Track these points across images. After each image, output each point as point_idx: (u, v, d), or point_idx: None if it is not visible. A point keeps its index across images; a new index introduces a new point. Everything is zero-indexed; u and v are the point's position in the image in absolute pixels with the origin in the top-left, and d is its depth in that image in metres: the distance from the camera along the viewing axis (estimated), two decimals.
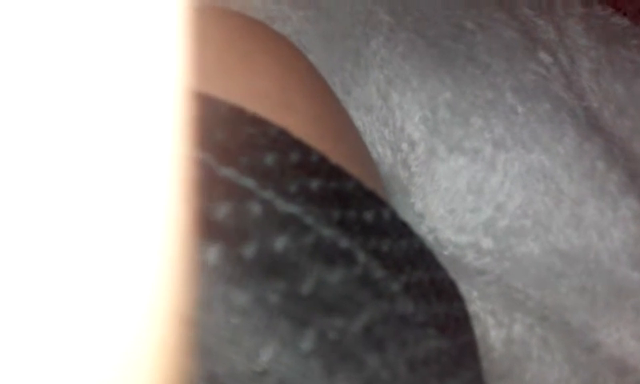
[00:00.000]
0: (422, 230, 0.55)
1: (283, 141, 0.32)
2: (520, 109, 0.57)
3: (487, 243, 0.55)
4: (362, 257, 0.30)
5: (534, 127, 0.56)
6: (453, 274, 0.38)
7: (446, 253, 0.55)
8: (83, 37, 0.13)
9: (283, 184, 0.30)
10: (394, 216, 0.35)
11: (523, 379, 0.49)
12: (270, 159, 0.31)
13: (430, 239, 0.55)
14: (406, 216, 0.55)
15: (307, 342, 0.27)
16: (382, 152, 0.57)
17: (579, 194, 0.55)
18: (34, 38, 0.12)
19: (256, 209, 0.28)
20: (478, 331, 0.40)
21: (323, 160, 0.33)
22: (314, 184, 0.31)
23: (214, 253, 0.26)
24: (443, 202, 0.55)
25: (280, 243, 0.28)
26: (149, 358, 0.15)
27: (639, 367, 0.52)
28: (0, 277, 0.12)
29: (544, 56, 0.60)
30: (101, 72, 0.13)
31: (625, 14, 0.65)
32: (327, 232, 0.30)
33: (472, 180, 0.55)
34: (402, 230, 0.35)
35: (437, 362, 0.32)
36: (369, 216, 0.33)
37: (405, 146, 0.56)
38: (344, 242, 0.30)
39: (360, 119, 0.57)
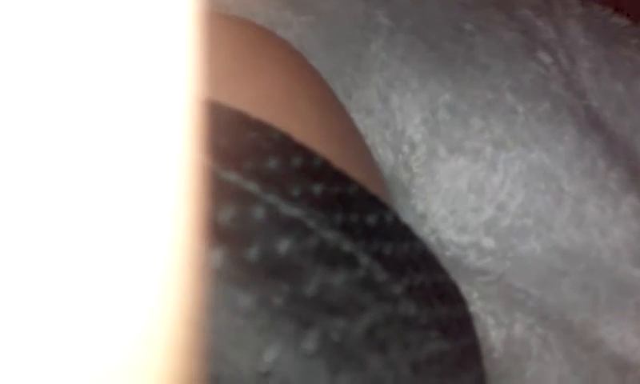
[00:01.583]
0: (423, 231, 0.55)
1: (286, 145, 0.33)
2: (520, 108, 0.57)
3: (489, 243, 0.55)
4: (364, 260, 0.31)
5: (534, 126, 0.57)
6: (454, 274, 0.38)
7: (448, 253, 0.55)
8: (93, 40, 0.13)
9: (286, 188, 0.30)
10: (397, 219, 0.35)
11: (523, 378, 0.49)
12: (273, 163, 0.31)
13: (431, 240, 0.55)
14: (408, 217, 0.55)
15: (310, 343, 0.27)
16: (383, 154, 0.57)
17: (580, 192, 0.55)
18: (43, 41, 0.13)
19: (260, 213, 0.29)
20: (478, 332, 0.40)
21: (326, 164, 0.33)
22: (317, 188, 0.32)
23: (218, 256, 0.26)
24: (444, 202, 0.56)
25: (283, 246, 0.28)
26: (155, 360, 0.15)
27: None
28: (7, 278, 0.13)
29: (543, 56, 0.61)
30: (111, 76, 0.13)
31: (624, 14, 0.65)
32: (330, 235, 0.30)
33: (473, 180, 0.56)
34: (405, 234, 0.35)
35: (439, 364, 0.32)
36: (371, 219, 0.33)
37: (406, 147, 0.57)
38: (347, 245, 0.31)
39: (361, 122, 0.57)
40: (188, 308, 0.16)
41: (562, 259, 0.54)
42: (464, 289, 0.42)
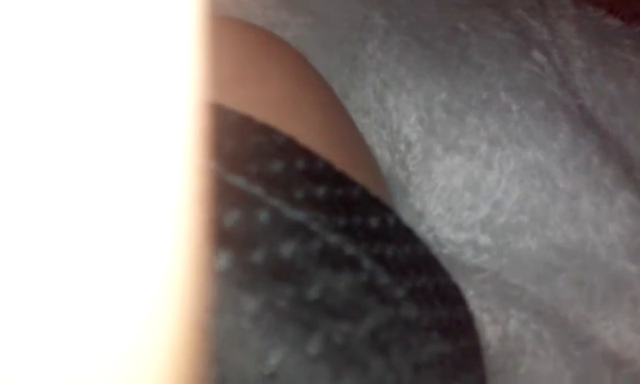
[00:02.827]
0: (421, 229, 0.56)
1: (290, 148, 0.33)
2: (514, 107, 0.57)
3: (485, 240, 0.56)
4: (367, 263, 0.31)
5: (528, 124, 0.57)
6: (451, 273, 0.38)
7: (445, 251, 0.56)
8: (99, 45, 0.13)
9: (290, 191, 0.31)
10: (399, 222, 0.35)
11: (517, 374, 0.50)
12: (277, 167, 0.31)
13: (429, 238, 0.56)
14: (406, 216, 0.55)
15: (314, 346, 0.27)
16: (380, 154, 0.58)
17: (575, 189, 0.56)
18: (48, 46, 0.13)
19: (264, 216, 0.29)
20: None
21: (329, 167, 0.33)
22: (320, 191, 0.32)
23: (224, 259, 0.26)
24: (440, 200, 0.56)
25: (288, 249, 0.28)
26: (155, 360, 0.15)
27: (637, 359, 0.52)
28: (9, 271, 0.13)
29: (538, 55, 0.61)
30: (117, 80, 0.14)
31: (618, 15, 0.65)
32: (333, 238, 0.30)
33: (469, 178, 0.56)
34: (407, 236, 0.35)
35: (440, 366, 0.32)
36: (374, 222, 0.33)
37: (402, 146, 0.57)
38: (350, 248, 0.31)
39: (359, 122, 0.57)
40: (191, 310, 0.16)
41: (557, 255, 0.55)
42: (460, 287, 0.42)
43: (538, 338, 0.51)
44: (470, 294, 0.52)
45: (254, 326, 0.26)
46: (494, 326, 0.52)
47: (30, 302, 0.13)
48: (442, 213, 0.56)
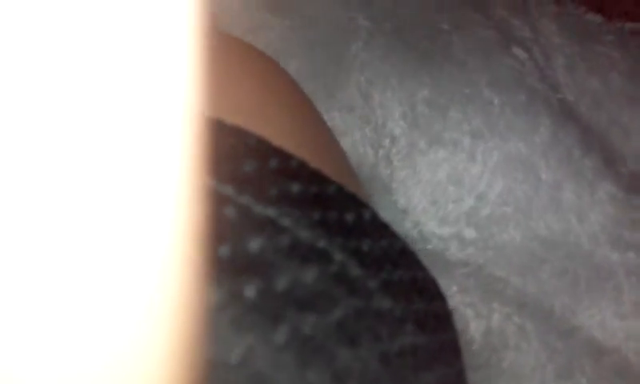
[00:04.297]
0: (406, 225, 0.56)
1: (263, 149, 0.33)
2: (496, 101, 0.58)
3: (470, 233, 0.56)
4: (338, 256, 0.31)
5: (510, 118, 0.58)
6: (435, 269, 0.39)
7: (429, 247, 0.56)
8: (92, 46, 0.14)
9: (262, 189, 0.31)
10: (375, 217, 0.35)
11: (501, 368, 0.50)
12: (249, 166, 0.32)
13: (414, 234, 0.56)
14: (390, 213, 0.56)
15: (281, 336, 0.27)
16: (363, 152, 0.58)
17: (557, 180, 0.57)
18: (48, 51, 0.13)
19: (231, 212, 0.29)
20: (458, 325, 0.41)
21: (303, 165, 0.34)
22: (294, 188, 0.32)
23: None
24: (425, 194, 0.57)
25: (255, 244, 0.29)
26: (155, 363, 0.16)
27: (622, 346, 0.53)
28: (6, 279, 0.13)
29: (519, 52, 0.62)
30: (98, 87, 0.14)
31: (599, 11, 0.66)
32: (304, 233, 0.31)
33: (452, 171, 0.57)
34: (383, 231, 0.36)
35: (412, 357, 0.33)
36: (349, 217, 0.34)
37: (387, 141, 0.58)
38: (321, 243, 0.31)
39: (343, 120, 0.58)
40: (179, 307, 0.17)
41: (541, 246, 0.56)
42: (443, 283, 0.42)
43: (521, 331, 0.52)
44: (453, 290, 0.53)
45: (219, 317, 0.27)
46: (477, 320, 0.52)
47: (26, 302, 0.14)
48: (427, 207, 0.57)
